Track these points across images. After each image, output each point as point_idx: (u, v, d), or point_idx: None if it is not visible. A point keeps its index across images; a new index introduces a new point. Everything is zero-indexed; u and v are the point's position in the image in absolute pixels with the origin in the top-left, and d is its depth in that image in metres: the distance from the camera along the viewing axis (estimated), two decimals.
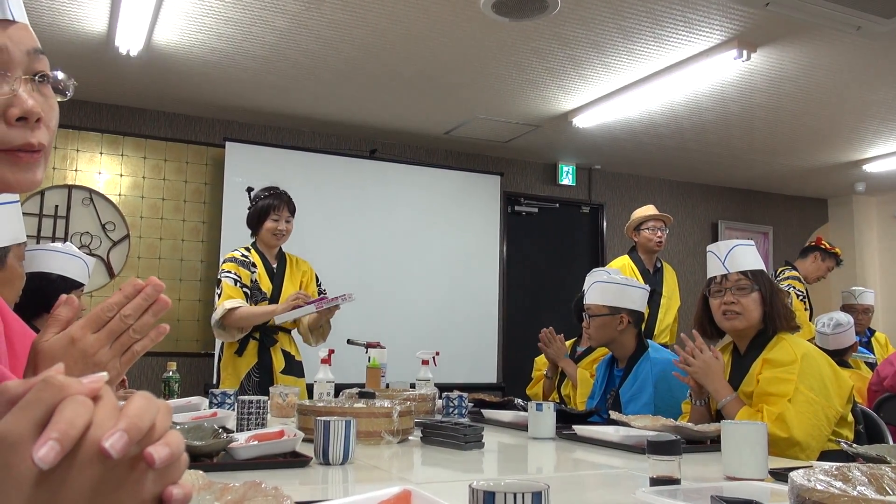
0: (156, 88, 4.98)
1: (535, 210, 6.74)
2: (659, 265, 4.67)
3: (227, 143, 5.44)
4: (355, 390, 2.62)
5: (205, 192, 5.57)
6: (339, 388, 2.83)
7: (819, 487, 0.92)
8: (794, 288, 5.04)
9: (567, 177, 6.78)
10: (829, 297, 6.83)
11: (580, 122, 5.34)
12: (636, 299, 2.84)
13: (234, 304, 3.37)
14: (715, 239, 7.18)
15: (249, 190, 3.74)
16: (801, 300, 5.04)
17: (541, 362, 3.63)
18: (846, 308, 5.21)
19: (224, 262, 3.59)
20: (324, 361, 2.89)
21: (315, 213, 5.62)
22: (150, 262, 5.38)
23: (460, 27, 3.89)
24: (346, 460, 1.66)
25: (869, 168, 6.51)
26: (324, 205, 5.67)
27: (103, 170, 5.31)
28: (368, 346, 3.49)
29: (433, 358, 3.34)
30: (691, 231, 7.29)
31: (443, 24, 3.85)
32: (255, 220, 3.57)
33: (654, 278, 4.53)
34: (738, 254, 2.37)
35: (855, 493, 0.98)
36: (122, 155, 5.36)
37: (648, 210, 4.68)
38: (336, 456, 1.64)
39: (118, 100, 5.29)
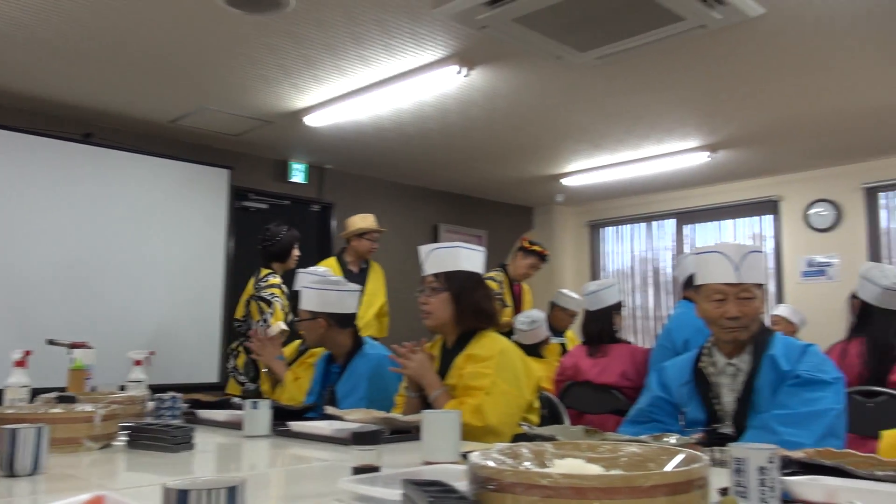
0: None
1: (265, 206, 6.65)
2: (365, 265, 5.10)
3: None
4: (54, 394, 2.43)
5: None
6: (37, 393, 2.61)
7: (491, 465, 1.05)
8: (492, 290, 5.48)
9: (298, 174, 6.78)
10: (534, 296, 7.55)
11: (312, 120, 5.38)
12: (334, 302, 2.92)
13: None
14: (435, 240, 7.63)
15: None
16: (498, 298, 5.50)
17: None
18: (553, 307, 5.77)
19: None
20: (18, 364, 2.63)
21: (17, 201, 5.03)
22: None
23: (190, 12, 3.73)
24: (36, 471, 1.54)
25: (566, 181, 7.35)
26: (27, 191, 5.08)
27: None
28: (73, 346, 3.24)
29: (147, 358, 3.19)
30: (413, 232, 7.66)
31: (171, 6, 3.67)
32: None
33: (358, 278, 4.96)
34: (433, 256, 2.61)
35: (521, 467, 1.14)
36: None
37: (371, 222, 5.01)
38: (24, 466, 1.52)
39: None
